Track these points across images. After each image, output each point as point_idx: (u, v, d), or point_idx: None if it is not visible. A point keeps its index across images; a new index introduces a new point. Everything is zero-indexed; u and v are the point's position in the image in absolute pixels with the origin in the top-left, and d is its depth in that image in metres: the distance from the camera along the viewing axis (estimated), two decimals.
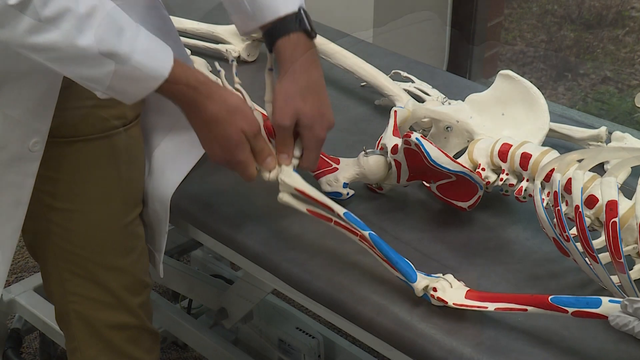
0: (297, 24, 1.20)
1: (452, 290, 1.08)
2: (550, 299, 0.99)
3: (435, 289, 1.07)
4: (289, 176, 1.20)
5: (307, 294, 1.19)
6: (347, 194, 1.28)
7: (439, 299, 1.07)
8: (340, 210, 1.13)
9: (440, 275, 1.09)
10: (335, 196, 1.28)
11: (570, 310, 0.98)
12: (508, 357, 1.03)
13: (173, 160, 1.38)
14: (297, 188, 1.18)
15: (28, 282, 2.00)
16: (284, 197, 1.20)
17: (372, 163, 1.27)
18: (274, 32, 1.21)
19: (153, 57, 1.10)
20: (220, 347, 1.80)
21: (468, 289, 1.08)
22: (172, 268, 1.86)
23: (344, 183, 1.28)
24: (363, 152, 1.28)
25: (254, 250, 1.24)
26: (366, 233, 1.10)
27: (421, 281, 1.08)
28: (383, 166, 1.27)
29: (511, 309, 1.03)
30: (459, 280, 1.10)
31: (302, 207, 1.18)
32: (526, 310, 1.02)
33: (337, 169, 1.29)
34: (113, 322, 1.38)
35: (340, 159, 1.30)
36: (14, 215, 1.25)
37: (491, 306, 1.05)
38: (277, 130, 1.21)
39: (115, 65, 1.06)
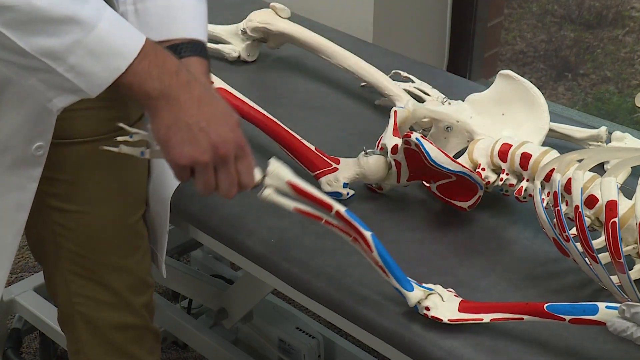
0: (202, 50, 1.14)
1: (444, 305, 1.06)
2: (546, 307, 0.99)
3: (428, 308, 1.06)
4: (281, 167, 1.08)
5: (307, 294, 1.19)
6: (347, 194, 1.28)
7: (433, 317, 1.06)
8: (340, 207, 1.07)
9: (432, 286, 1.08)
10: (335, 196, 1.28)
11: (567, 318, 0.98)
12: (508, 357, 1.03)
13: None
14: (291, 181, 1.08)
15: (28, 282, 2.01)
16: (270, 194, 1.08)
17: (372, 163, 1.27)
18: (177, 52, 1.12)
19: (122, 30, 0.98)
20: (220, 347, 1.80)
21: (461, 299, 1.07)
22: (172, 268, 1.86)
23: (344, 183, 1.28)
24: (363, 152, 1.28)
25: (254, 250, 1.24)
26: (368, 234, 1.06)
27: (417, 292, 1.06)
28: (383, 166, 1.27)
29: (507, 319, 1.03)
30: (449, 289, 1.09)
31: (289, 205, 1.08)
32: (522, 319, 1.01)
33: (337, 169, 1.29)
34: (117, 323, 1.38)
35: (340, 159, 1.30)
36: (15, 218, 1.24)
37: (486, 317, 1.04)
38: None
39: (78, 34, 0.95)
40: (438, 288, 1.08)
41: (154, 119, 1.03)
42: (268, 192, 1.08)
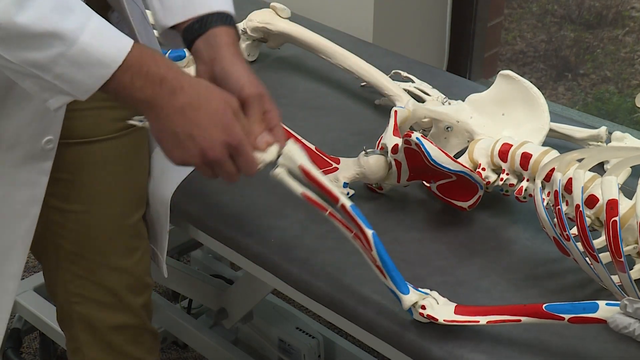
0: (229, 20, 1.17)
1: (439, 307, 1.05)
2: (545, 307, 0.98)
3: (424, 307, 1.05)
4: (295, 150, 1.08)
5: (307, 294, 1.19)
6: (347, 193, 1.28)
7: (429, 316, 1.04)
8: (347, 202, 1.06)
9: (428, 291, 1.07)
10: None
11: (567, 317, 0.97)
12: (508, 357, 1.03)
13: None
14: (303, 166, 1.08)
15: (28, 282, 2.00)
16: (281, 173, 1.08)
17: (372, 163, 1.27)
18: (204, 23, 1.15)
19: (105, 40, 1.00)
20: (220, 347, 1.80)
21: (455, 304, 1.06)
22: (172, 268, 1.86)
23: (344, 183, 1.28)
24: (363, 152, 1.27)
25: (254, 250, 1.24)
26: (369, 232, 1.04)
27: (412, 295, 1.05)
28: (383, 166, 1.27)
29: (504, 321, 1.02)
30: (443, 296, 1.08)
31: (298, 189, 1.08)
32: (520, 320, 1.00)
33: (337, 168, 1.29)
34: (115, 323, 1.38)
35: (340, 158, 1.30)
36: (28, 212, 1.24)
37: (483, 320, 1.03)
38: (257, 102, 1.10)
39: (61, 47, 0.97)
40: (434, 293, 1.07)
41: (149, 123, 1.06)
42: (279, 172, 1.08)
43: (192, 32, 1.16)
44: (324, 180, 1.07)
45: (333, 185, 1.07)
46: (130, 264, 1.37)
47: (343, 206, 1.06)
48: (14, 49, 0.98)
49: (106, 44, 1.00)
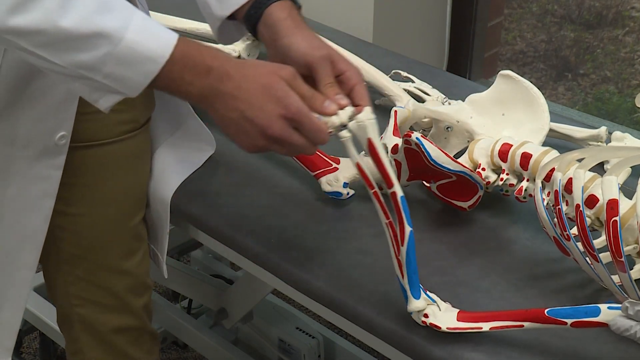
0: None
1: (442, 314, 1.05)
2: (547, 312, 0.98)
3: (426, 315, 1.05)
4: (369, 121, 1.05)
5: (307, 294, 1.19)
6: (347, 193, 1.28)
7: (431, 324, 1.05)
8: (399, 191, 1.04)
9: (435, 296, 1.07)
10: (335, 196, 1.28)
11: (569, 321, 0.97)
12: (508, 357, 1.03)
13: (173, 161, 1.38)
14: (372, 140, 1.04)
15: None
16: (346, 139, 1.05)
17: (372, 163, 1.26)
18: (258, 7, 1.15)
19: (151, 35, 0.99)
20: (220, 347, 1.80)
21: (458, 310, 1.06)
22: (172, 268, 1.86)
23: (344, 183, 1.28)
24: (363, 152, 1.27)
25: (254, 250, 1.24)
26: (408, 229, 1.03)
27: (421, 302, 1.05)
28: None
29: (507, 327, 1.02)
30: (445, 301, 1.08)
31: (355, 157, 1.06)
32: (522, 326, 1.01)
33: (337, 168, 1.29)
34: (116, 325, 1.38)
35: (340, 158, 1.30)
36: (42, 205, 1.25)
37: (485, 326, 1.03)
38: (324, 64, 1.09)
39: (108, 47, 0.97)
40: (437, 299, 1.07)
41: (209, 114, 1.05)
42: (344, 135, 1.06)
43: (250, 19, 1.16)
44: (387, 162, 1.06)
45: (392, 170, 1.06)
46: (131, 265, 1.37)
47: (394, 193, 1.04)
48: (62, 52, 0.98)
49: (152, 39, 1.00)
